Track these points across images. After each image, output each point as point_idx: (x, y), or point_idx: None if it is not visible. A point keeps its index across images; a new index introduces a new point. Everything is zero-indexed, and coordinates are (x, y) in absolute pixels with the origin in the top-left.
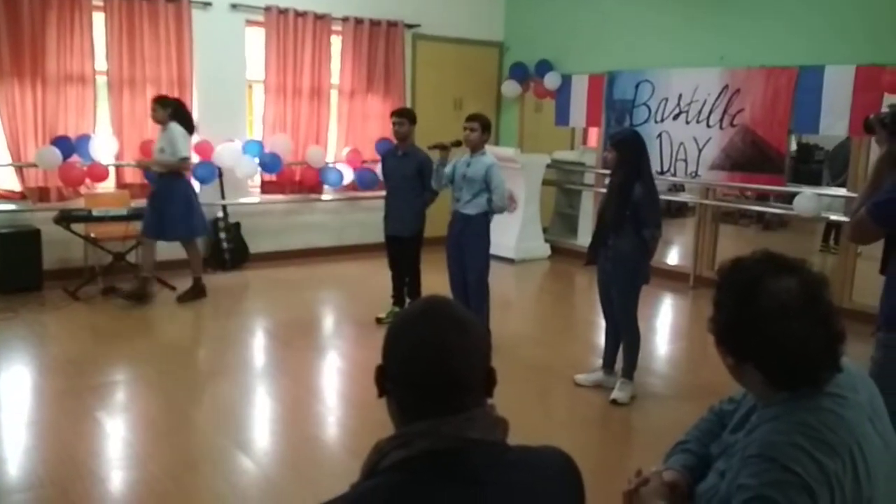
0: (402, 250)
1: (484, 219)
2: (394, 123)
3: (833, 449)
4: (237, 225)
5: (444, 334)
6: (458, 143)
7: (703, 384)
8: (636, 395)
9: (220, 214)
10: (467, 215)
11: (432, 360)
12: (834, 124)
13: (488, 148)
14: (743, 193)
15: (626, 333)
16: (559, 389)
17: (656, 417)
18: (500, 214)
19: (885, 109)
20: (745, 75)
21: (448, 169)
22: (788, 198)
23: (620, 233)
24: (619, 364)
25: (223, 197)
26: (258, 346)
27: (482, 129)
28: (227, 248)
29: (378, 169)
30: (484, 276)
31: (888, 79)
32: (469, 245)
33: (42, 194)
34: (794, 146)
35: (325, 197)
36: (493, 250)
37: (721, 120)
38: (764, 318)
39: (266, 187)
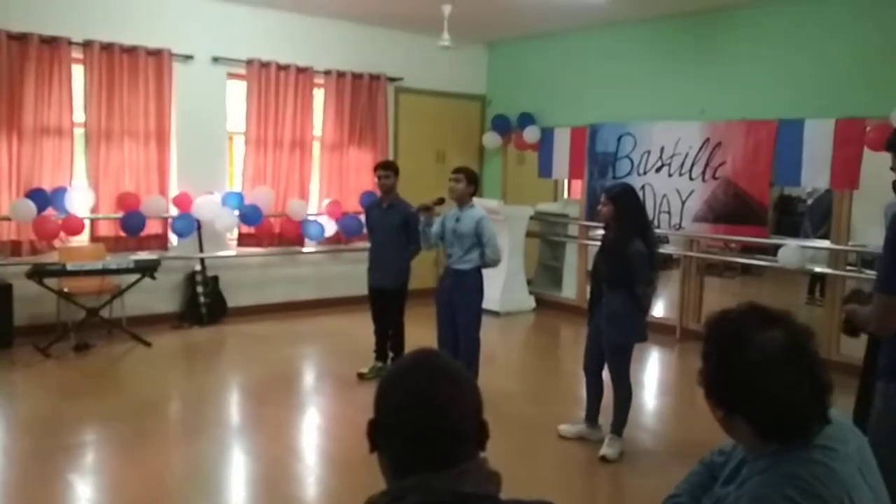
0: (385, 303)
1: (477, 273)
2: (379, 177)
3: (824, 502)
4: (215, 279)
5: (436, 386)
6: (441, 201)
7: (693, 439)
8: (625, 450)
9: (198, 268)
10: (461, 271)
11: (425, 413)
12: (815, 177)
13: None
14: (727, 245)
15: (617, 389)
16: (547, 445)
17: (647, 473)
18: (493, 266)
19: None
20: (726, 128)
21: (435, 227)
22: (772, 250)
23: (612, 289)
24: (605, 418)
25: (201, 250)
26: (235, 404)
27: (467, 180)
28: (205, 303)
29: (362, 216)
30: (475, 333)
31: (869, 132)
32: (461, 300)
33: (14, 248)
34: (776, 198)
35: (306, 249)
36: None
37: (703, 172)
38: (751, 369)
39: (244, 240)
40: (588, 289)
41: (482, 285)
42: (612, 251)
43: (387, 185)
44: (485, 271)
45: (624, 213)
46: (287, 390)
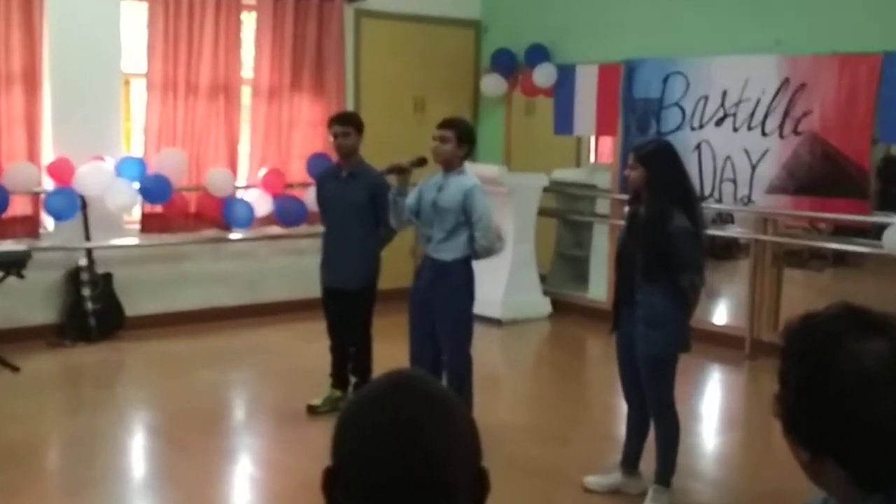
0: (346, 309)
1: (464, 266)
2: (335, 135)
3: None
4: (107, 277)
5: (418, 422)
6: (421, 162)
7: (768, 490)
8: None
9: (83, 262)
10: (441, 262)
11: (403, 459)
12: None
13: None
14: (814, 226)
15: (659, 422)
16: (566, 499)
17: None
18: (486, 256)
19: None
20: (812, 65)
21: (410, 199)
22: (875, 231)
23: (650, 281)
24: (646, 464)
25: (87, 238)
26: (138, 449)
27: (458, 139)
28: (93, 310)
29: (309, 196)
30: (464, 347)
31: None
32: (443, 303)
33: None
34: (879, 161)
35: (233, 236)
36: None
37: (781, 126)
38: (845, 393)
39: (149, 223)
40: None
41: (472, 282)
42: (647, 230)
43: (345, 146)
44: (481, 264)
45: (659, 178)
46: (209, 430)
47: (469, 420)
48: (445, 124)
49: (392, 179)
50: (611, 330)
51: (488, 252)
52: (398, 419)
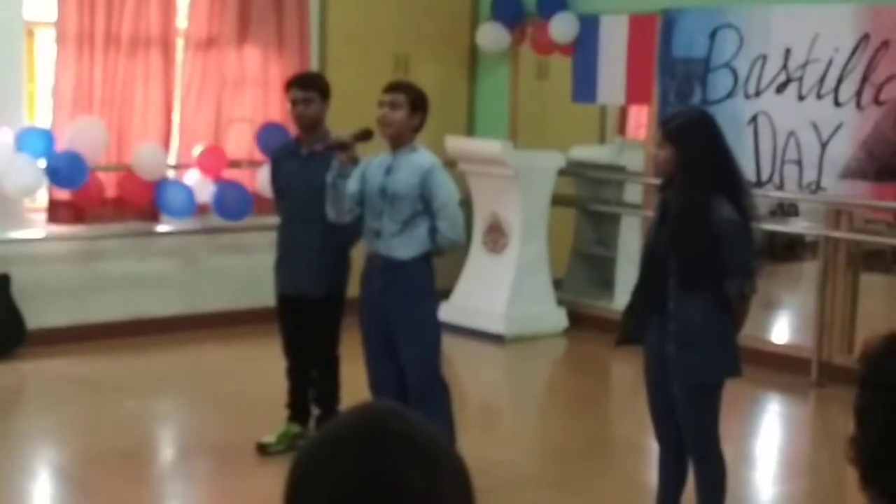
0: (307, 322)
1: (425, 265)
2: (293, 100)
3: None
4: (3, 280)
5: (399, 475)
6: (366, 135)
7: None
8: None
9: None
10: (396, 261)
11: None
12: None
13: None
14: None
15: (700, 468)
16: None
17: None
18: (450, 251)
19: None
20: None
21: (353, 184)
22: None
23: (689, 288)
24: None
25: None
26: (40, 496)
27: (410, 105)
28: None
29: (260, 179)
30: (433, 365)
31: None
32: (402, 311)
33: None
34: None
35: (162, 229)
36: (468, 320)
37: (859, 94)
38: None
39: (56, 212)
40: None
41: (433, 282)
42: (682, 224)
43: (307, 115)
44: (478, 265)
45: (692, 159)
46: (131, 475)
47: (462, 471)
48: (394, 87)
49: (334, 159)
50: (617, 341)
51: (454, 246)
52: (374, 471)
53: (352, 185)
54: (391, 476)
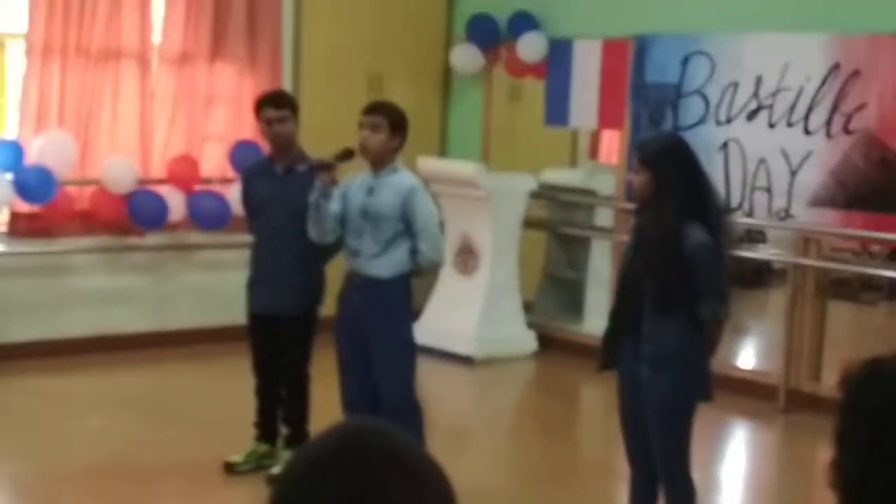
0: (279, 341)
1: (404, 284)
2: (269, 120)
3: None
4: None
5: (384, 491)
6: (348, 155)
7: None
8: None
9: None
10: (376, 279)
11: None
12: None
13: (422, 162)
14: (866, 248)
15: (671, 492)
16: None
17: None
18: (432, 273)
19: None
20: (868, 47)
21: (335, 204)
22: None
23: (663, 312)
24: None
25: None
26: None
27: (391, 127)
28: None
29: (232, 195)
30: (408, 386)
31: None
32: (379, 329)
33: None
34: None
35: (133, 242)
36: (438, 341)
37: (828, 123)
38: None
39: (22, 226)
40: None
41: (411, 303)
42: (657, 248)
43: (283, 134)
44: (448, 287)
45: (669, 184)
46: (96, 495)
47: (447, 486)
48: (374, 109)
49: (316, 179)
50: (599, 367)
51: (435, 267)
52: (361, 490)
53: (333, 205)
54: (376, 494)
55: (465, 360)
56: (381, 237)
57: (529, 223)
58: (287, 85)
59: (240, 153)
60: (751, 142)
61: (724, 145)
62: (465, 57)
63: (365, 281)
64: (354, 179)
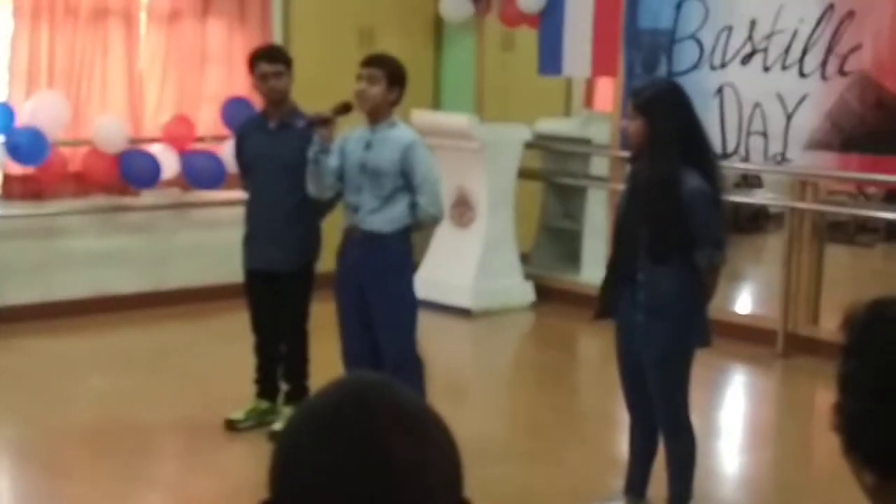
0: (277, 298)
1: (404, 239)
2: (262, 75)
3: None
4: None
5: (389, 449)
6: (346, 108)
7: None
8: None
9: None
10: (375, 234)
11: (366, 492)
12: None
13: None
14: (862, 191)
15: (671, 438)
16: None
17: None
18: (439, 229)
19: None
20: None
21: (333, 159)
22: None
23: (658, 260)
24: (657, 489)
25: None
26: (5, 478)
27: (388, 79)
28: None
29: (225, 152)
30: (410, 340)
31: None
32: (379, 285)
33: None
34: None
35: (127, 202)
36: (436, 294)
37: (823, 64)
38: None
39: (15, 188)
40: (609, 263)
41: (412, 257)
42: (651, 195)
43: (278, 89)
44: (444, 239)
45: (663, 131)
46: (98, 453)
47: (450, 440)
48: (372, 61)
49: (315, 134)
50: (595, 315)
51: (434, 221)
52: (363, 445)
53: (333, 160)
54: (378, 449)
55: (463, 313)
56: (380, 192)
57: (525, 174)
58: (277, 39)
59: (232, 110)
60: (746, 86)
61: (719, 90)
62: (455, 7)
63: (365, 236)
64: (352, 133)
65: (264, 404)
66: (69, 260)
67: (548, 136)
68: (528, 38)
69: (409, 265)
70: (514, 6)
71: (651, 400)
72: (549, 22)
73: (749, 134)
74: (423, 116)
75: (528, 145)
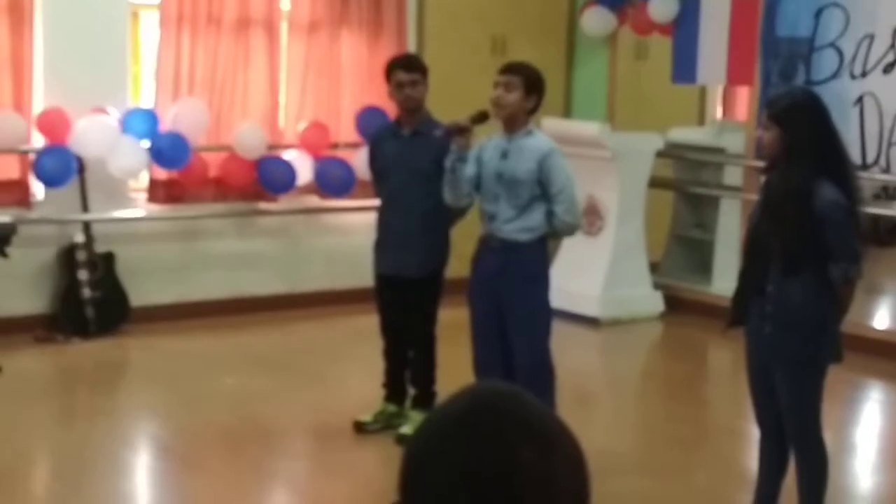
0: (406, 303)
1: (541, 248)
2: (399, 83)
3: None
4: (109, 258)
5: (518, 457)
6: (483, 117)
7: None
8: None
9: (80, 239)
10: (513, 243)
11: (493, 498)
12: None
13: (547, 123)
14: None
15: (802, 454)
16: None
17: None
18: (568, 238)
19: None
20: None
21: (470, 168)
22: None
23: (791, 272)
24: None
25: (85, 209)
26: (143, 470)
27: (525, 87)
28: (92, 298)
29: (359, 160)
30: (544, 350)
31: None
32: (517, 294)
33: None
34: None
35: (264, 206)
36: (564, 303)
37: None
38: None
39: (159, 192)
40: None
41: (548, 267)
42: (786, 207)
43: (414, 98)
44: (571, 248)
45: (800, 141)
46: (232, 450)
47: (578, 451)
48: (509, 69)
49: (452, 143)
50: (726, 326)
51: (572, 231)
52: (492, 452)
53: (470, 169)
54: (506, 459)
55: (591, 322)
56: (516, 201)
57: (656, 183)
58: (411, 48)
59: (366, 119)
60: (887, 96)
61: (859, 100)
62: (595, 19)
63: (502, 244)
64: (489, 142)
65: (392, 408)
66: (207, 261)
67: (680, 144)
68: (662, 46)
69: (545, 274)
70: (646, 15)
71: (781, 414)
72: (684, 30)
73: (890, 145)
74: (554, 124)
75: (660, 154)
